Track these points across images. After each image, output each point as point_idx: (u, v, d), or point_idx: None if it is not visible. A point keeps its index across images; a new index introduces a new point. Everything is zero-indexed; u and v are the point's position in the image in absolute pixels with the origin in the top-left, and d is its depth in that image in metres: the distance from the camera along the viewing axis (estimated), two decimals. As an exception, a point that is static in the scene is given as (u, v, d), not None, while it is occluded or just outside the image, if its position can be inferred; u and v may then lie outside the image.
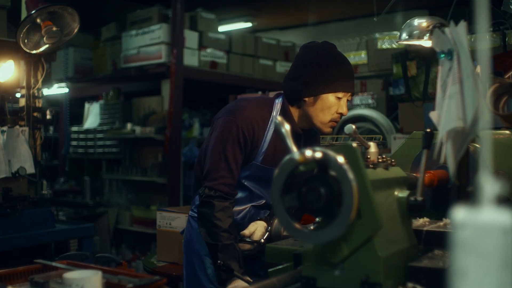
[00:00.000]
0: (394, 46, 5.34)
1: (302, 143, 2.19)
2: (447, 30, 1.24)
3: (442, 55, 1.25)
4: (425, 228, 1.46)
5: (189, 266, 2.20)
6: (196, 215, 2.18)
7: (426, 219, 1.64)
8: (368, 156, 1.38)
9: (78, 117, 6.87)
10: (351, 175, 1.04)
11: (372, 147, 1.85)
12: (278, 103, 2.13)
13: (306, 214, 2.08)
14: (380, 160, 1.34)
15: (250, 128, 2.03)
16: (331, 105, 2.03)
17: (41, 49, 3.46)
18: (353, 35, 6.40)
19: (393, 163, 1.36)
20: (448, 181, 1.98)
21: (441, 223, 1.57)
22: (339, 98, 2.03)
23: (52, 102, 6.60)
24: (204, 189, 2.05)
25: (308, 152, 1.08)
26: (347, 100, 2.07)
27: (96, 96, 6.79)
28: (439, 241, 1.40)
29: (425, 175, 1.86)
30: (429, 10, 6.87)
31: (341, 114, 2.07)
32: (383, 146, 3.61)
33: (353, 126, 1.76)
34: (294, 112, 2.11)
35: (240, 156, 2.04)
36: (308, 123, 2.12)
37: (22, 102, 3.67)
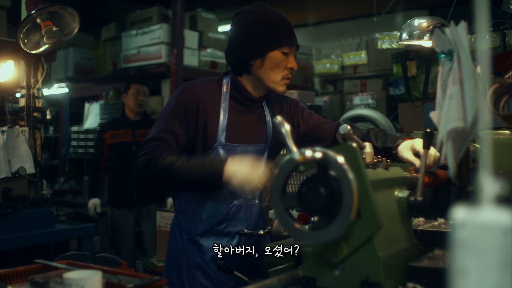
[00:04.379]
0: (394, 46, 5.34)
1: (269, 111, 2.13)
2: (447, 30, 1.24)
3: (443, 55, 1.25)
4: (419, 228, 1.46)
5: (166, 276, 2.10)
6: (177, 222, 2.10)
7: (421, 218, 1.64)
8: (364, 157, 1.39)
9: (78, 117, 6.86)
10: (351, 175, 1.04)
11: (367, 147, 1.85)
12: (226, 79, 2.08)
13: (305, 214, 2.07)
14: (375, 160, 1.34)
15: (193, 100, 1.96)
16: (279, 62, 1.99)
17: (41, 49, 3.45)
18: (353, 35, 6.40)
19: (389, 163, 1.36)
20: (448, 181, 1.98)
21: (436, 223, 1.57)
22: (285, 54, 2.00)
23: (52, 102, 6.59)
24: (139, 157, 1.92)
25: (308, 152, 1.08)
26: (294, 55, 2.04)
27: (96, 96, 6.78)
28: (434, 240, 1.40)
29: (425, 175, 1.86)
30: (429, 10, 6.87)
31: (292, 69, 2.03)
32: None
33: (348, 127, 1.76)
34: (247, 81, 2.06)
35: (179, 128, 1.95)
36: (263, 87, 2.06)
37: (22, 102, 3.67)
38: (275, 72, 2.00)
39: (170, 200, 4.62)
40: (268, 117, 2.12)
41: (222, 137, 1.98)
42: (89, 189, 4.90)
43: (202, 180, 1.88)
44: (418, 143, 1.91)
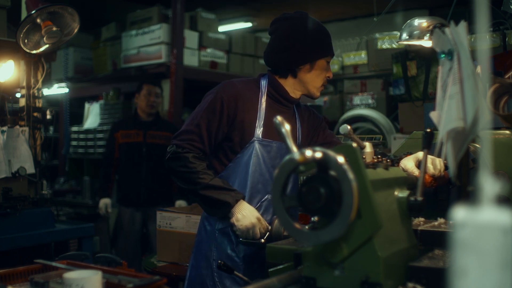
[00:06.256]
0: (394, 46, 5.34)
1: (298, 115, 2.23)
2: (447, 30, 1.24)
3: (443, 55, 1.25)
4: (419, 228, 1.46)
5: (193, 268, 2.16)
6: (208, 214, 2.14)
7: (421, 218, 1.64)
8: (364, 157, 1.38)
9: (78, 117, 6.86)
10: (351, 175, 1.04)
11: (368, 147, 1.85)
12: (263, 79, 2.17)
13: (304, 214, 2.07)
14: (375, 160, 1.34)
15: (231, 98, 2.04)
16: (323, 69, 2.13)
17: (41, 49, 3.45)
18: (353, 35, 6.40)
19: (389, 163, 1.36)
20: (448, 181, 1.98)
21: (436, 223, 1.57)
22: (327, 63, 2.14)
23: (52, 102, 6.59)
24: (172, 146, 2.05)
25: (308, 152, 1.08)
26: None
27: (96, 96, 6.78)
28: (434, 240, 1.40)
29: (425, 175, 1.86)
30: (429, 10, 6.87)
31: (328, 78, 2.17)
32: (383, 146, 3.61)
33: (348, 127, 1.76)
34: (286, 82, 2.15)
35: (214, 125, 2.04)
36: (302, 90, 2.17)
37: (22, 102, 3.66)
38: (319, 78, 2.13)
39: (178, 202, 4.62)
40: (298, 121, 2.23)
41: (259, 133, 2.07)
42: (100, 188, 4.85)
43: (214, 199, 1.99)
44: (420, 154, 1.95)
